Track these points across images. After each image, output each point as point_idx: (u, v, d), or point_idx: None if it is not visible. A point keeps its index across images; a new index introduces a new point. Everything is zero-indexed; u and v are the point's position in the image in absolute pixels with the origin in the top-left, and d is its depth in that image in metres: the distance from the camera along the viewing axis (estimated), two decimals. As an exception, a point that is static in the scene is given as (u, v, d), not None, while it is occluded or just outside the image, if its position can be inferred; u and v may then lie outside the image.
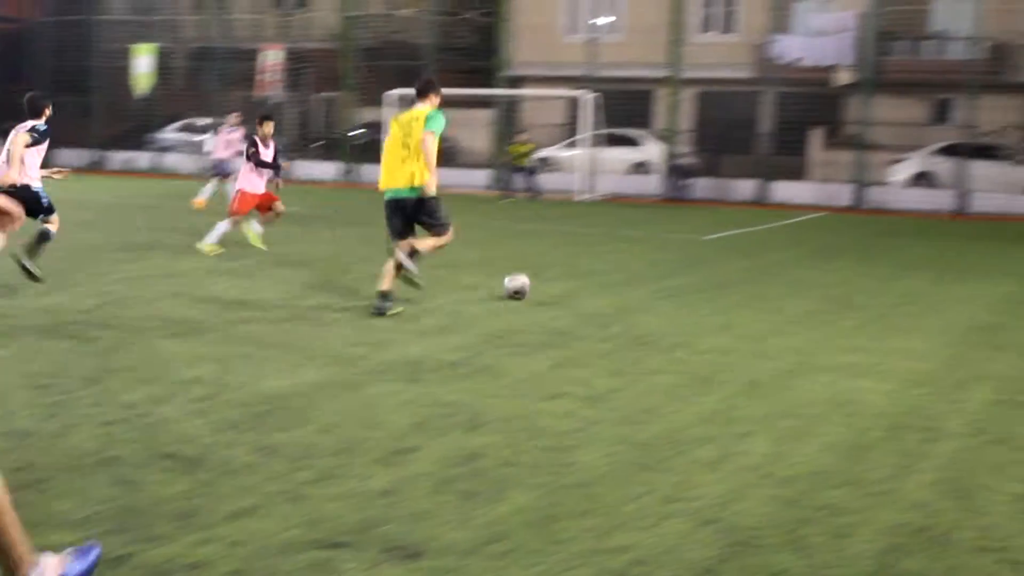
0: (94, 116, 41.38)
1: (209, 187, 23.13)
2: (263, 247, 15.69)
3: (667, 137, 34.00)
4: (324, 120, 44.00)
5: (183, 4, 46.13)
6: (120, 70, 41.05)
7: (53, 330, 9.34)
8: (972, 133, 32.35)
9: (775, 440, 6.64)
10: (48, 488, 5.40)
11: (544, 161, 35.79)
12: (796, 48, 34.00)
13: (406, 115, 11.00)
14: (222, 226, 15.30)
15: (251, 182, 15.46)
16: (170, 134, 41.22)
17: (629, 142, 36.48)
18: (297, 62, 39.77)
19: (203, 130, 38.22)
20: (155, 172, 38.81)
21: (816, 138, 36.39)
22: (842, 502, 5.55)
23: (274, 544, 4.79)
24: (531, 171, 32.23)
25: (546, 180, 34.48)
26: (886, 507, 5.51)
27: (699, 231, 21.61)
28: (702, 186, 33.40)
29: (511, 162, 32.13)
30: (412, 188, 10.70)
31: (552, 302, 11.80)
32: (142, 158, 40.52)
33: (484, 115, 37.49)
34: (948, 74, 34.82)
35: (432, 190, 10.69)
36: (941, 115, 37.91)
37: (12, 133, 11.57)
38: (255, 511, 5.12)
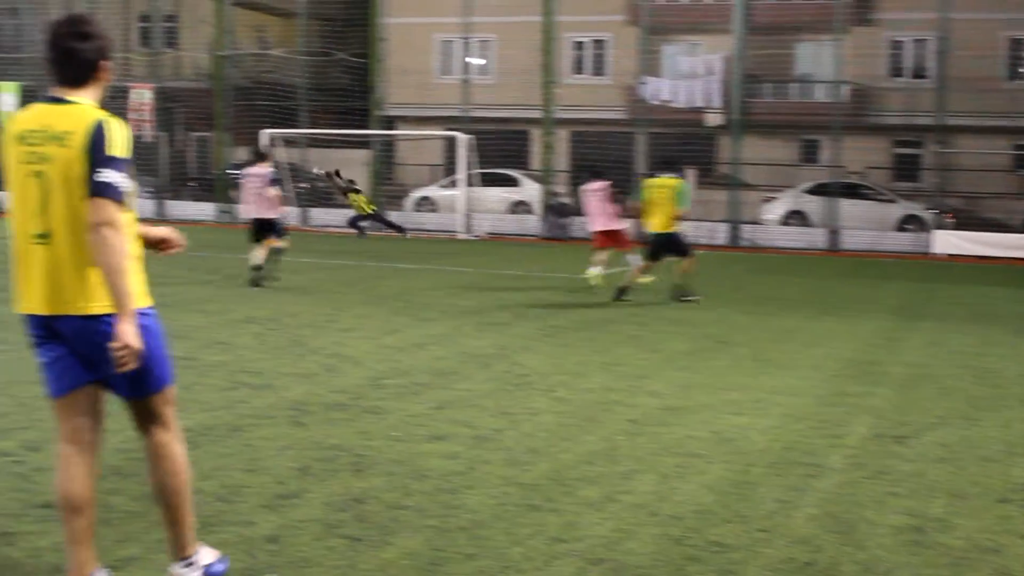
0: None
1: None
2: (601, 285, 17.66)
3: (544, 177, 34.26)
4: (198, 160, 43.47)
5: (50, 42, 45.29)
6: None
7: (-82, 377, 9.03)
8: (839, 173, 33.24)
9: (659, 478, 6.69)
10: (-84, 542, 5.19)
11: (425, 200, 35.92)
12: (666, 90, 34.60)
13: (658, 181, 16.55)
14: (633, 259, 17.65)
15: (620, 223, 18.10)
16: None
17: (510, 181, 36.72)
18: (168, 101, 39.26)
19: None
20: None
21: (690, 178, 37.02)
22: (728, 539, 5.60)
23: (157, 595, 4.67)
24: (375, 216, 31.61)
25: (426, 219, 34.55)
26: (772, 543, 5.57)
27: (578, 269, 21.74)
28: (580, 225, 33.67)
29: (358, 211, 31.37)
30: (668, 229, 16.25)
31: (434, 342, 11.76)
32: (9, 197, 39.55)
33: (361, 155, 37.40)
34: (813, 116, 35.86)
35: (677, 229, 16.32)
36: (809, 155, 38.98)
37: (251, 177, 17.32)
38: (137, 561, 4.98)
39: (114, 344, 4.28)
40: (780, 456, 7.31)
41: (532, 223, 34.15)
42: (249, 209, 17.41)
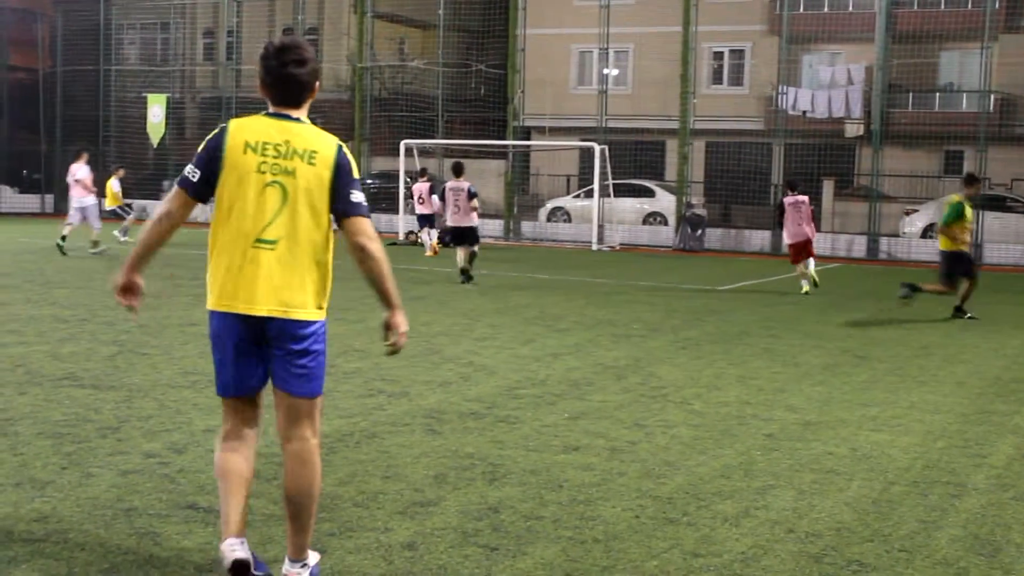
0: (108, 165, 41.64)
1: (430, 235, 27.35)
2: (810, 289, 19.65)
3: (679, 188, 34.05)
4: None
5: (195, 55, 46.52)
6: (133, 119, 41.32)
7: (70, 378, 9.33)
8: (983, 185, 32.33)
9: (797, 494, 6.59)
10: (68, 539, 5.36)
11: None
12: (805, 100, 34.07)
13: (951, 198, 16.32)
14: (811, 261, 19.83)
15: (812, 233, 19.92)
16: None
17: (645, 192, 36.61)
18: (309, 112, 39.93)
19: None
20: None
21: (828, 189, 36.44)
22: (869, 558, 5.50)
23: (298, 598, 4.75)
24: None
25: (559, 230, 34.66)
26: (913, 563, 5.45)
27: (713, 281, 21.60)
28: (715, 237, 33.42)
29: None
30: (946, 247, 15.96)
31: (568, 352, 11.78)
32: (157, 206, 40.68)
33: (496, 165, 37.65)
34: (957, 126, 34.97)
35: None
36: (952, 166, 38.03)
37: (453, 189, 19.91)
38: (278, 563, 5.07)
39: (395, 337, 4.90)
40: (921, 474, 7.15)
41: (666, 234, 33.97)
42: (450, 218, 19.95)
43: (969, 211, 16.15)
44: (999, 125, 35.18)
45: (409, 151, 33.28)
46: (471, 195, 19.76)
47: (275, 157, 4.71)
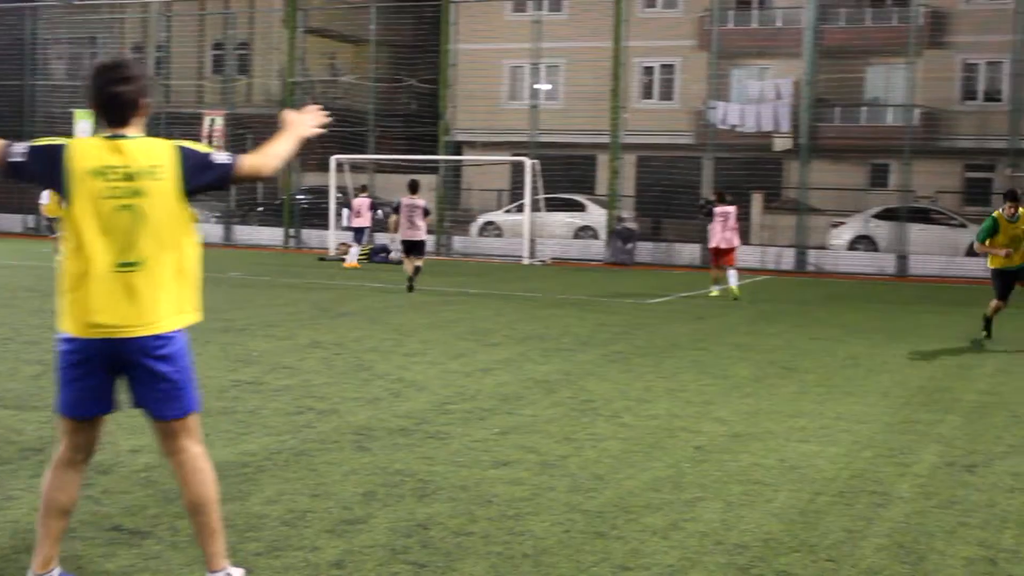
0: (34, 181, 41.10)
1: (355, 250, 28.42)
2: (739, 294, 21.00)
3: (610, 202, 34.24)
4: (266, 186, 43.93)
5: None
6: (60, 135, 40.68)
7: (-8, 399, 9.18)
8: (908, 197, 32.86)
9: (725, 506, 6.63)
10: (-11, 563, 5.27)
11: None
12: (734, 115, 34.43)
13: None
14: (733, 273, 21.16)
15: (736, 242, 21.32)
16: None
17: (576, 206, 36.77)
18: (239, 127, 39.76)
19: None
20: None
21: (757, 202, 36.83)
22: (795, 568, 5.54)
23: (223, 619, 4.69)
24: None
25: (491, 244, 34.68)
26: (839, 573, 5.50)
27: (643, 295, 21.72)
28: (645, 250, 33.62)
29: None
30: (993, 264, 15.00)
31: (499, 367, 11.78)
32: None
33: (428, 180, 37.62)
34: (883, 140, 35.54)
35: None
36: (878, 179, 38.64)
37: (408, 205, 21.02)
38: (203, 585, 5.02)
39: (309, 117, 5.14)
40: (847, 484, 7.23)
41: (597, 248, 34.12)
42: (403, 232, 21.03)
43: (1008, 226, 14.75)
44: (924, 138, 35.77)
45: (340, 166, 33.19)
46: (426, 213, 21.23)
47: (120, 180, 4.61)
